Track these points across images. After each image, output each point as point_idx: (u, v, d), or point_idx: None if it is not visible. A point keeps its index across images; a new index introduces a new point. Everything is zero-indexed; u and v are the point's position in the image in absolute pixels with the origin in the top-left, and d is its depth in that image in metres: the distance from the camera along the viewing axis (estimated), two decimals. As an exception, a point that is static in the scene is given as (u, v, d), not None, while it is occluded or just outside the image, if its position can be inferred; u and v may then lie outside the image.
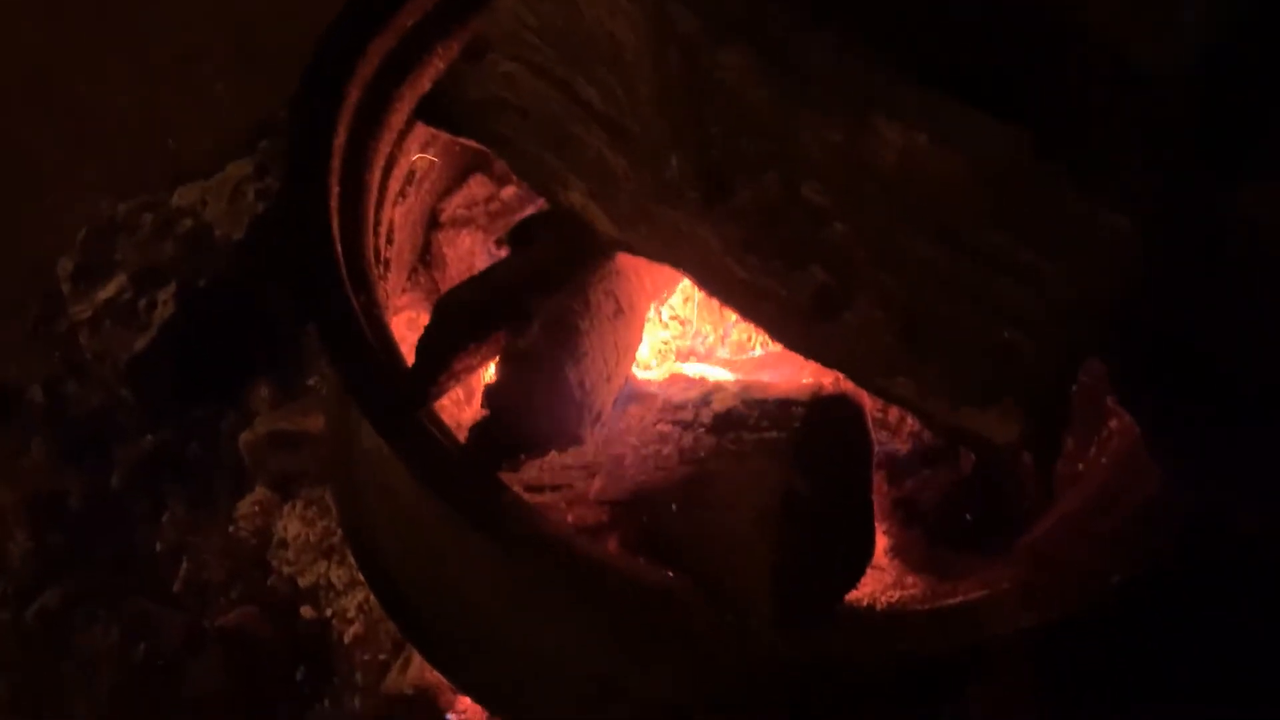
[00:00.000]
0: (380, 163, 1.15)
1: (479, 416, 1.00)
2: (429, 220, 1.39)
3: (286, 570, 1.53)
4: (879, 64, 0.87)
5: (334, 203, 1.03)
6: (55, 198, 2.00)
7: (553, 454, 1.06)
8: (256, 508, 1.58)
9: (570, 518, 1.03)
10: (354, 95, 1.09)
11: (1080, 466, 1.08)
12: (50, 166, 2.06)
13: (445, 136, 1.26)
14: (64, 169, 2.05)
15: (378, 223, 1.15)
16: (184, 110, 2.11)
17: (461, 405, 1.24)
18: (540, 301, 0.99)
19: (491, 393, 0.96)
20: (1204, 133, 0.86)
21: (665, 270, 1.01)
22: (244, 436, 1.60)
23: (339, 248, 1.00)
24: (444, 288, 1.34)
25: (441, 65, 1.16)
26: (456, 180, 1.41)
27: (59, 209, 1.95)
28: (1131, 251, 0.82)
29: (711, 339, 1.37)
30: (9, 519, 1.61)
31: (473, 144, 1.05)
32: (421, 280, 1.39)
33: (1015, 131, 0.84)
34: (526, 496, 0.99)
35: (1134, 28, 0.85)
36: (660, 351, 1.36)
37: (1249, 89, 0.86)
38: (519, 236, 1.10)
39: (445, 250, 1.37)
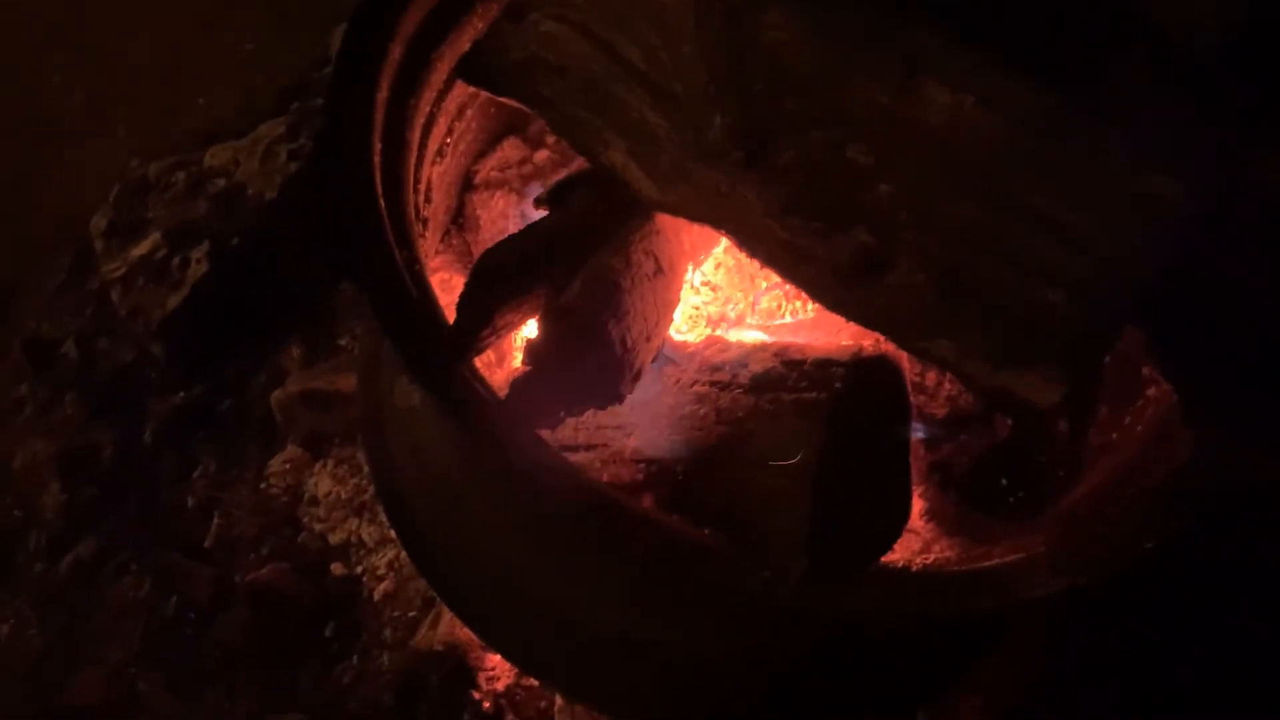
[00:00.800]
0: (420, 121, 1.14)
1: (515, 374, 1.00)
2: (463, 182, 1.39)
3: (317, 527, 1.54)
4: (925, 25, 0.86)
5: (377, 159, 1.03)
6: (81, 153, 2.00)
7: (588, 413, 1.06)
8: (288, 465, 1.59)
9: (605, 476, 1.04)
10: (396, 53, 1.09)
11: (1114, 436, 1.08)
12: (76, 122, 2.07)
13: (482, 97, 1.26)
14: (90, 125, 2.05)
15: (417, 180, 1.15)
16: (213, 69, 2.11)
17: (492, 368, 1.24)
18: (582, 259, 0.99)
19: (533, 348, 0.96)
20: (1235, 99, 0.86)
21: (704, 230, 1.01)
22: (276, 395, 1.61)
23: (382, 202, 1.00)
24: (476, 250, 1.34)
25: (482, 25, 1.15)
26: (490, 143, 1.41)
27: (86, 164, 1.96)
28: (1178, 216, 0.82)
29: (742, 305, 1.37)
30: (43, 471, 1.63)
31: (512, 103, 1.05)
32: (454, 242, 1.38)
33: (1062, 93, 0.84)
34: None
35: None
36: (691, 317, 1.36)
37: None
38: (557, 196, 1.10)
39: (479, 212, 1.37)
